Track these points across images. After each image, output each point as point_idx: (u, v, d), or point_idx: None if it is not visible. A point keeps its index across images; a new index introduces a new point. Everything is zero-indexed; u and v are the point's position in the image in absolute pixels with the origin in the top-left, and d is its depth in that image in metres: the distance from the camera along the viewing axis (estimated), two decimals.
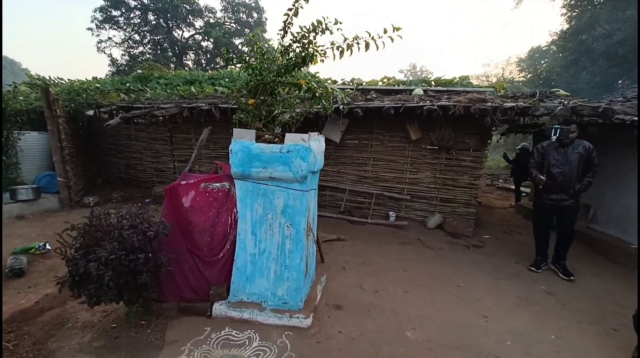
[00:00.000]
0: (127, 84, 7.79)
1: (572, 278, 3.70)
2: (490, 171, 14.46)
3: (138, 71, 11.22)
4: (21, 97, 6.69)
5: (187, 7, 20.79)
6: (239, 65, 2.87)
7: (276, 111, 2.80)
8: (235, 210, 2.66)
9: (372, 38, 2.51)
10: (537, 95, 4.76)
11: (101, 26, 20.56)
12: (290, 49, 2.63)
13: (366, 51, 2.51)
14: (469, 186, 5.48)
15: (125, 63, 21.04)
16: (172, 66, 20.28)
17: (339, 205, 6.01)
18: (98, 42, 20.85)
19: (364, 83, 6.52)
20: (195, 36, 22.61)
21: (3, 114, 5.64)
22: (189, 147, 6.82)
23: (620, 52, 13.79)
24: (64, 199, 5.69)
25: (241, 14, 22.61)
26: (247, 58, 2.80)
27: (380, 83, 6.67)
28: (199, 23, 22.22)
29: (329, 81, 6.56)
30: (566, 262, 3.85)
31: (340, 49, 2.57)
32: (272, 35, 22.10)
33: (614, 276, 3.94)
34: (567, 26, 16.89)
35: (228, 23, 22.55)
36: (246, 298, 2.64)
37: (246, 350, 2.21)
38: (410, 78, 25.48)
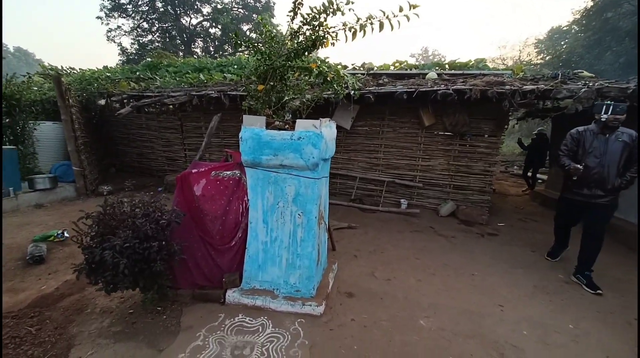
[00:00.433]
0: (137, 73, 7.82)
1: (599, 291, 3.07)
2: (504, 157, 14.08)
3: (147, 59, 11.22)
4: (35, 88, 6.78)
5: None
6: (247, 51, 2.80)
7: (286, 97, 2.73)
8: (246, 198, 2.64)
9: (387, 17, 2.38)
10: (559, 77, 4.52)
11: (110, 14, 20.59)
12: (300, 32, 2.54)
13: (380, 31, 2.39)
14: (484, 173, 5.33)
15: (134, 52, 21.09)
16: (180, 53, 20.21)
17: (349, 193, 5.96)
18: (108, 31, 20.96)
19: (375, 68, 6.33)
20: (203, 23, 22.40)
21: (18, 104, 5.74)
22: (199, 135, 6.83)
23: None
24: (79, 188, 5.81)
25: None
26: (256, 43, 2.72)
27: (391, 67, 6.47)
28: (206, 9, 21.98)
29: (339, 66, 6.40)
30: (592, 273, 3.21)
31: (353, 30, 2.45)
32: (281, 20, 21.73)
33: (635, 266, 3.79)
34: (592, 3, 15.94)
35: (236, 9, 22.21)
36: (259, 285, 2.65)
37: (260, 337, 2.24)
38: (423, 62, 24.71)
